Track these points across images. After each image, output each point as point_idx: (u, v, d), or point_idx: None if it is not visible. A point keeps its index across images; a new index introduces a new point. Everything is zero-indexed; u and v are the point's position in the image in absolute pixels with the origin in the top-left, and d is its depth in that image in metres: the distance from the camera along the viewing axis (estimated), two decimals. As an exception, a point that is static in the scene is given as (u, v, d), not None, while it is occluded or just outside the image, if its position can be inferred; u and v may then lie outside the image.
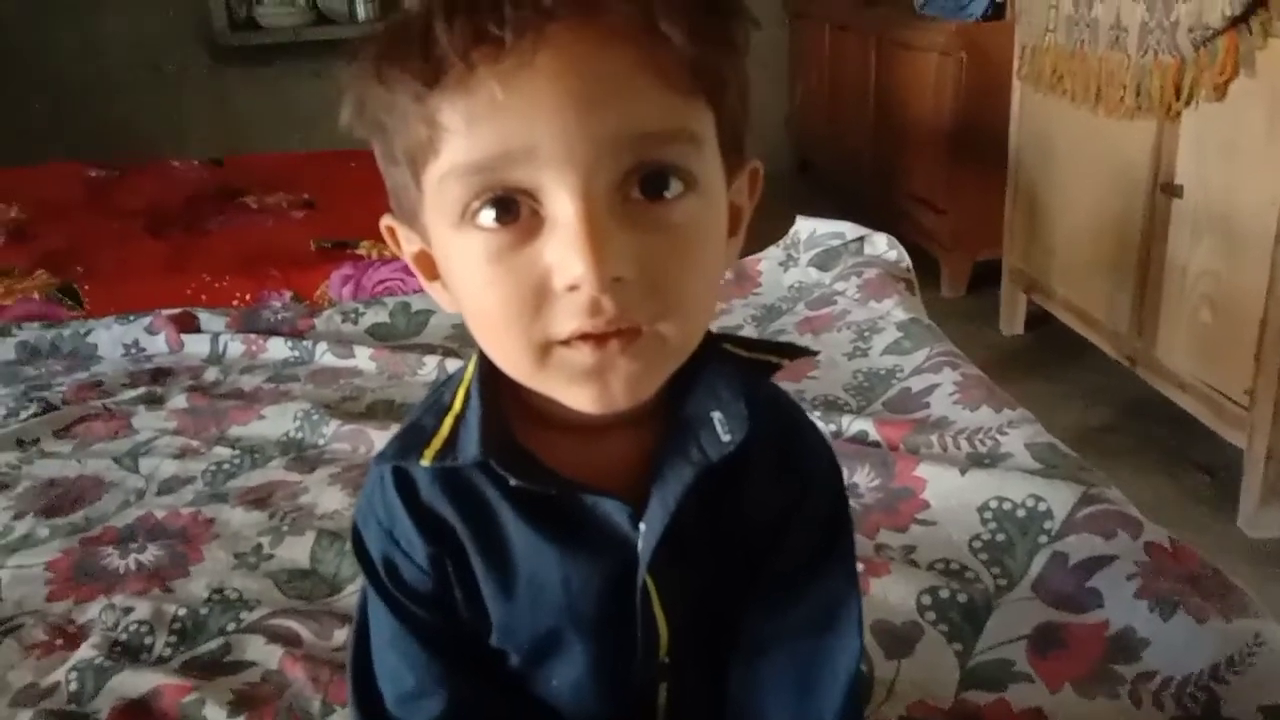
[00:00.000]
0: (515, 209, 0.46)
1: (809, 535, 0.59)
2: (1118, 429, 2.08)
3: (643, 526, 0.54)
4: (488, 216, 0.46)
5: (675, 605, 0.57)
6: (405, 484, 0.56)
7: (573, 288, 0.45)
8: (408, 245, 0.56)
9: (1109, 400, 2.17)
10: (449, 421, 0.54)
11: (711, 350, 0.54)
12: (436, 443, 0.54)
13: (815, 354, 1.27)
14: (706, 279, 0.51)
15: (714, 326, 0.56)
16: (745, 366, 0.57)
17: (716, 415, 0.54)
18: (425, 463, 0.54)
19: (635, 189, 0.46)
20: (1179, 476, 1.89)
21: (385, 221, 0.56)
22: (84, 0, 3.49)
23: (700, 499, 0.54)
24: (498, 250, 0.46)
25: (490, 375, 0.54)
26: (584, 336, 0.46)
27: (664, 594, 0.56)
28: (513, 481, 0.53)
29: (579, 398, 0.49)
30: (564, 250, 0.45)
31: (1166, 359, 1.90)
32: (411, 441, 0.55)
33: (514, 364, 0.50)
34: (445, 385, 0.58)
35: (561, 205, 0.45)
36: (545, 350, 0.47)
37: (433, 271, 0.55)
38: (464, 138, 0.45)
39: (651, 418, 0.55)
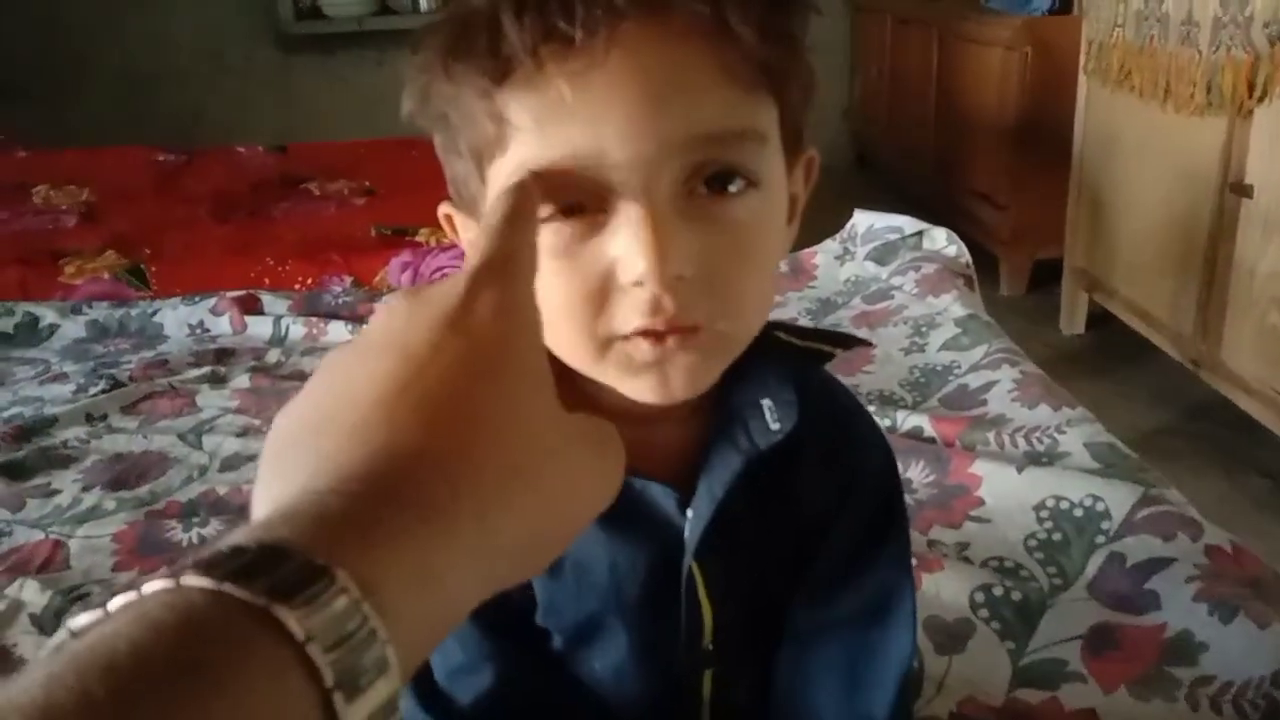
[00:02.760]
0: (580, 204, 0.46)
1: (860, 525, 0.59)
2: (1179, 431, 2.04)
3: (690, 513, 0.55)
4: (553, 211, 0.47)
5: (721, 593, 0.57)
6: None
7: (636, 284, 0.45)
8: (465, 233, 0.56)
9: (1170, 402, 2.13)
10: None
11: (764, 339, 0.54)
12: None
13: (870, 345, 1.26)
14: (765, 275, 0.51)
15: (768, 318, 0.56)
16: (797, 355, 0.57)
17: (766, 403, 0.54)
18: None
19: (700, 185, 0.46)
20: (1241, 481, 1.85)
21: (443, 209, 0.57)
22: (153, -8, 3.58)
23: (749, 487, 0.54)
24: (563, 245, 0.47)
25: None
26: (644, 333, 0.47)
27: (710, 581, 0.57)
28: None
29: (638, 389, 0.49)
30: (628, 247, 0.45)
31: (1232, 361, 1.86)
32: None
33: (574, 354, 0.50)
34: None
35: (627, 202, 0.45)
36: (606, 344, 0.48)
37: None
38: (532, 136, 0.45)
39: (702, 408, 0.55)
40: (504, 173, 0.47)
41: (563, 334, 0.49)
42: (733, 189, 0.47)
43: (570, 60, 0.44)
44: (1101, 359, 2.37)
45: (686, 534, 0.55)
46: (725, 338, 0.49)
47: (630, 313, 0.46)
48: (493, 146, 0.47)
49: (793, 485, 0.57)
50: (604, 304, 0.47)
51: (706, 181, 0.47)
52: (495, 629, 0.59)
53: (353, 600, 0.27)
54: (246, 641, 0.26)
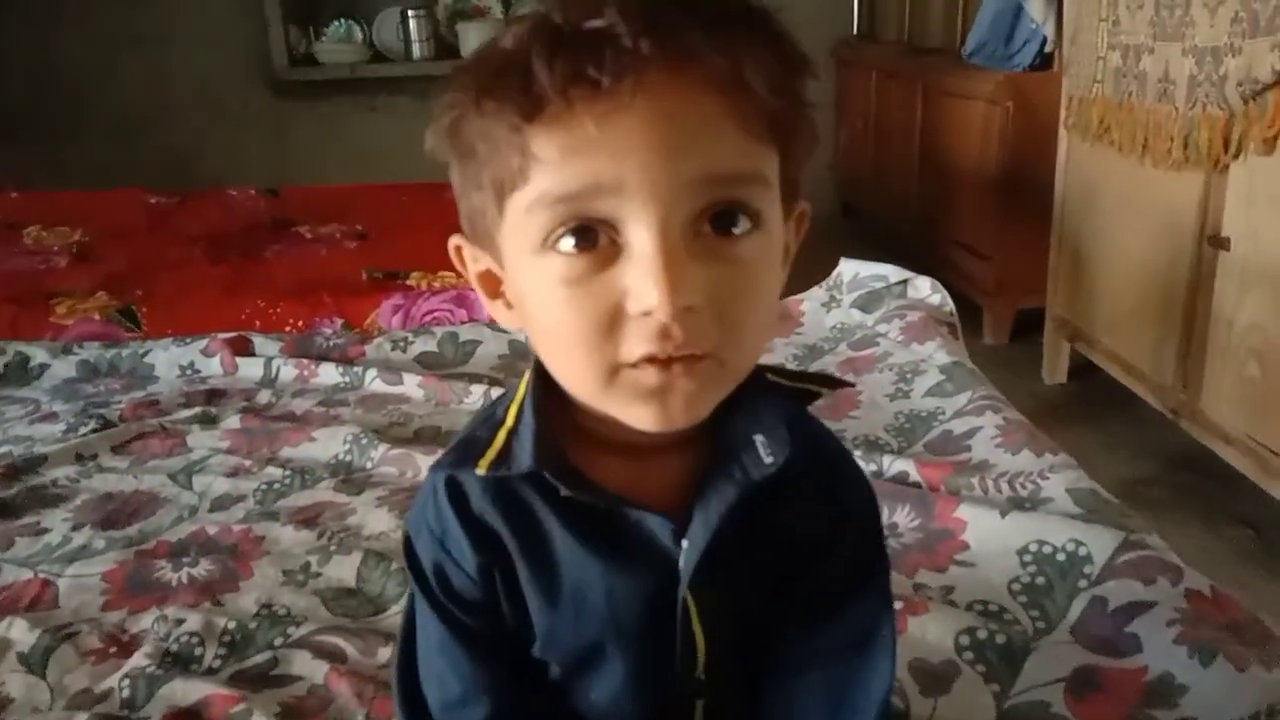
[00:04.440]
0: (595, 237, 0.49)
1: (846, 562, 0.61)
2: (1161, 481, 2.06)
3: (685, 543, 0.56)
4: (568, 243, 0.49)
5: (713, 623, 0.59)
6: (457, 494, 0.59)
7: (646, 314, 0.48)
8: (474, 265, 0.58)
9: (1153, 452, 2.15)
10: (502, 435, 0.57)
11: (756, 378, 0.57)
12: (491, 454, 0.57)
13: (853, 386, 1.28)
14: (765, 310, 0.54)
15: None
16: (788, 394, 0.60)
17: (759, 438, 0.56)
18: (480, 471, 0.56)
19: (707, 224, 0.50)
20: (1223, 531, 1.87)
21: (454, 241, 0.59)
22: (151, 37, 3.62)
23: (741, 519, 0.56)
24: (576, 275, 0.49)
25: (543, 393, 0.57)
26: (651, 359, 0.49)
27: (703, 611, 0.58)
28: (563, 491, 0.55)
29: (640, 416, 0.51)
30: (640, 278, 0.48)
31: (1212, 412, 1.89)
32: (467, 452, 0.57)
33: (581, 382, 0.52)
34: (499, 401, 0.61)
35: (640, 237, 0.48)
36: (613, 371, 0.50)
37: (495, 290, 0.58)
38: (555, 169, 0.48)
39: (694, 441, 0.57)
40: (524, 203, 0.50)
41: (571, 362, 0.52)
42: (737, 230, 0.50)
43: (598, 102, 0.47)
44: (1084, 409, 2.39)
45: (681, 564, 0.57)
46: (726, 367, 0.51)
47: (638, 341, 0.49)
48: (515, 178, 0.50)
49: (784, 518, 0.59)
50: (613, 333, 0.49)
51: (714, 223, 0.50)
52: (492, 661, 0.61)
53: None
54: None
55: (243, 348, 1.69)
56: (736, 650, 0.61)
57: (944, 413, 1.31)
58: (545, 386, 0.56)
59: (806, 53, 0.51)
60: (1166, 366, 2.03)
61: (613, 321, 0.49)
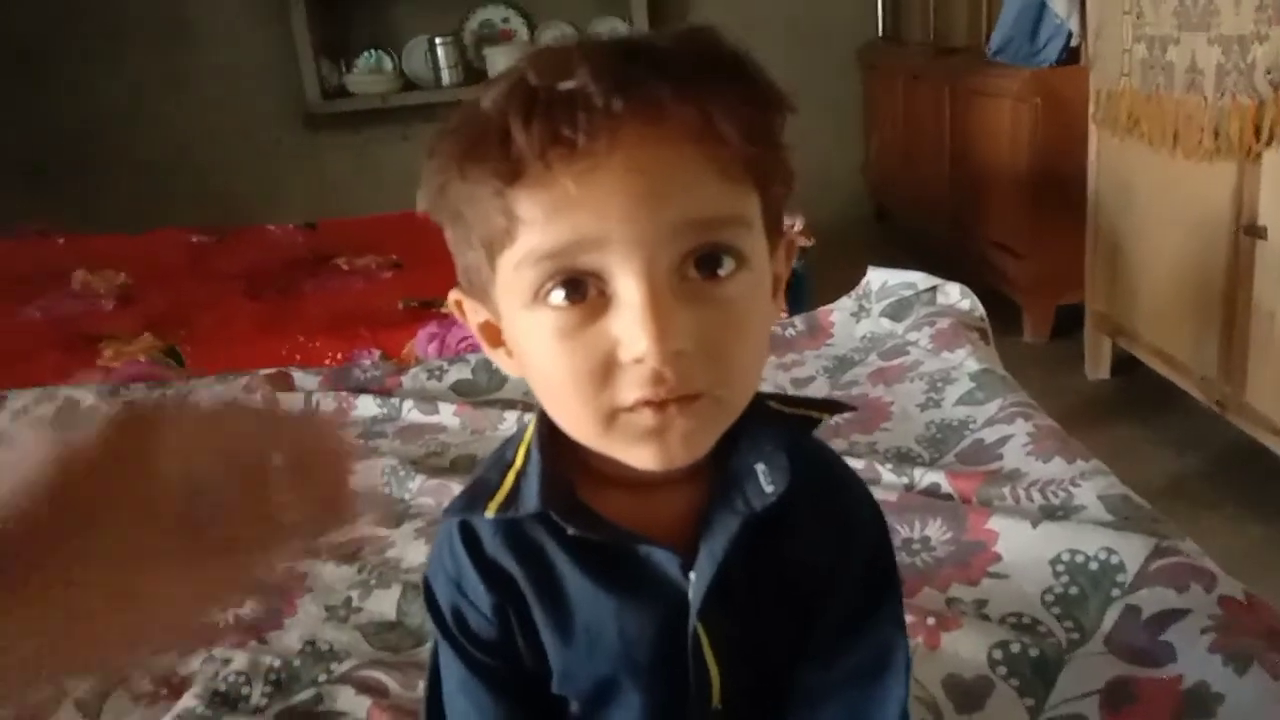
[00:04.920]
0: (584, 289, 0.51)
1: (856, 587, 0.62)
2: (1210, 476, 2.03)
3: (693, 575, 0.58)
4: (558, 296, 0.51)
5: (726, 653, 0.60)
6: (470, 538, 0.61)
7: (638, 360, 0.49)
8: (474, 317, 0.60)
9: (1201, 446, 2.12)
10: (511, 477, 0.59)
11: (756, 408, 0.58)
12: (500, 496, 0.58)
13: (854, 410, 1.29)
14: (756, 346, 0.55)
15: (788, 378, 0.59)
16: (788, 422, 0.61)
17: (760, 467, 0.57)
18: (489, 515, 0.58)
19: (692, 268, 0.51)
20: (1274, 524, 1.84)
21: (454, 295, 0.61)
22: (182, 76, 3.69)
23: (747, 549, 0.57)
24: (568, 327, 0.51)
25: (550, 434, 0.58)
26: (647, 403, 0.50)
27: (715, 641, 0.59)
28: (570, 530, 0.56)
29: (641, 457, 0.53)
30: (630, 327, 0.49)
31: (1257, 403, 1.85)
32: (476, 495, 0.59)
33: (580, 428, 0.54)
34: (508, 444, 0.62)
35: (627, 286, 0.49)
36: (611, 416, 0.52)
37: (496, 340, 0.59)
38: (540, 228, 0.50)
39: (700, 474, 0.58)
40: (512, 261, 0.51)
41: (569, 409, 0.53)
42: (722, 272, 0.51)
43: (575, 161, 0.48)
44: (1128, 404, 2.36)
45: (690, 595, 0.58)
46: (722, 404, 0.53)
47: (632, 386, 0.50)
48: (503, 238, 0.51)
49: (789, 546, 0.60)
50: (607, 380, 0.51)
51: (699, 266, 0.51)
52: (511, 699, 0.62)
53: None
54: None
55: (284, 383, 1.73)
56: (752, 680, 0.62)
57: (975, 421, 1.31)
58: (553, 425, 0.57)
59: (780, 90, 0.52)
60: (1209, 359, 2.00)
61: (606, 370, 0.50)
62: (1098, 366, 2.51)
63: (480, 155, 0.50)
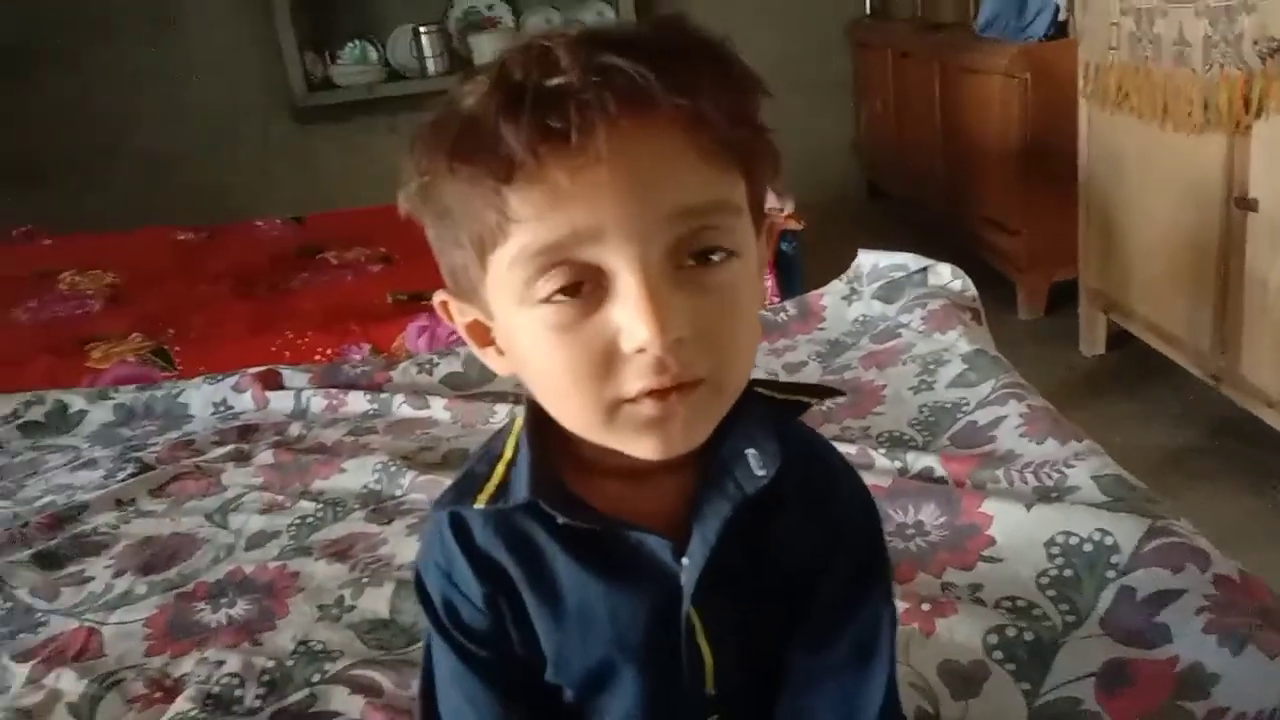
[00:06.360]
0: (580, 283, 0.51)
1: (849, 568, 0.62)
2: (1206, 449, 2.03)
3: (685, 560, 0.58)
4: (555, 291, 0.51)
5: (720, 637, 0.60)
6: (461, 530, 0.61)
7: (640, 350, 0.50)
8: (461, 317, 0.60)
9: (1196, 419, 2.12)
10: (500, 468, 0.59)
11: (746, 393, 0.58)
12: (489, 487, 0.59)
13: (844, 395, 1.30)
14: (750, 330, 0.56)
15: (780, 363, 0.60)
16: (777, 406, 0.61)
17: (750, 452, 0.58)
18: (479, 506, 0.58)
19: (686, 256, 0.51)
20: (1270, 495, 1.84)
21: (439, 297, 0.61)
22: (168, 74, 3.66)
23: (739, 534, 0.58)
24: (565, 322, 0.51)
25: (539, 425, 0.58)
26: (650, 392, 0.51)
27: (708, 626, 0.60)
28: (560, 519, 0.56)
29: (643, 447, 0.53)
30: (630, 317, 0.50)
31: (1252, 376, 1.85)
32: (466, 488, 0.59)
33: (582, 422, 0.54)
34: (497, 436, 0.62)
35: (624, 277, 0.50)
36: (613, 408, 0.52)
37: (485, 339, 0.59)
38: (534, 224, 0.50)
39: (690, 461, 0.58)
40: (505, 259, 0.51)
41: (570, 403, 0.54)
42: (716, 259, 0.52)
43: (567, 156, 0.48)
44: (1124, 379, 2.36)
45: (683, 580, 0.58)
46: (720, 389, 0.53)
47: (636, 376, 0.50)
48: (495, 236, 0.51)
49: (781, 529, 0.60)
50: (609, 372, 0.51)
51: (693, 254, 0.51)
52: (504, 690, 0.62)
53: None
54: None
55: (272, 381, 1.72)
56: (745, 665, 0.62)
57: (968, 403, 1.30)
58: (542, 418, 0.57)
59: (756, 73, 0.53)
60: (1203, 332, 1.99)
61: (607, 361, 0.51)
62: (1093, 342, 2.51)
63: (469, 153, 0.50)
